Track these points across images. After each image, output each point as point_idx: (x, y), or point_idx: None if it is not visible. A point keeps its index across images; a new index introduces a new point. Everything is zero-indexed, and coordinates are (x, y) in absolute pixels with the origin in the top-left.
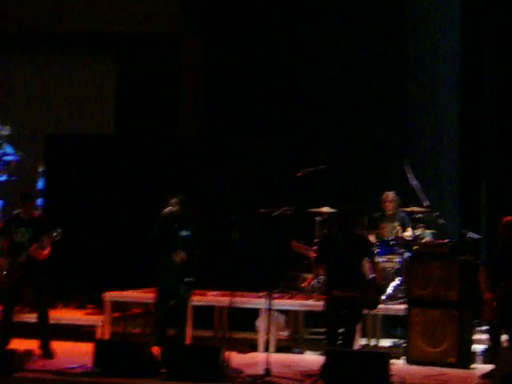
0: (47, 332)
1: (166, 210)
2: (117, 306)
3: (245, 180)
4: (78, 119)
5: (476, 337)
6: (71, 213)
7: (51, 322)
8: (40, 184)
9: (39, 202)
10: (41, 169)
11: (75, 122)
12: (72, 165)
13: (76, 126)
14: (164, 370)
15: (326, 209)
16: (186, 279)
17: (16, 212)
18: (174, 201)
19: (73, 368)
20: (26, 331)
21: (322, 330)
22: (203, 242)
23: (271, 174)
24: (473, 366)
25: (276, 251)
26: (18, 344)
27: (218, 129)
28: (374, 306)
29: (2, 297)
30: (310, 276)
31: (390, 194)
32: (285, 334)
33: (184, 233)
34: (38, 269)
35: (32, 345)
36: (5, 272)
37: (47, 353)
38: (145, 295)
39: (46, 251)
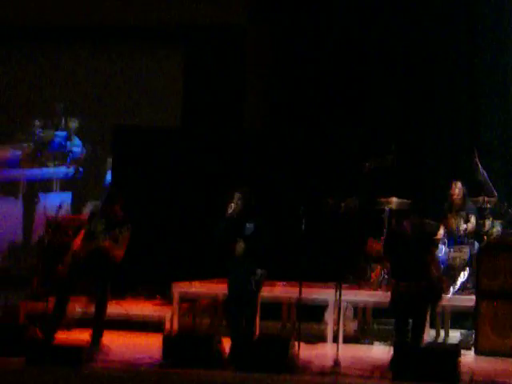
0: (101, 326)
1: (230, 204)
2: (185, 297)
3: (312, 172)
4: (145, 112)
5: None
6: (138, 205)
7: (120, 314)
8: (108, 177)
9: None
10: (109, 161)
11: (142, 115)
12: (139, 157)
13: (143, 118)
14: (233, 362)
15: (393, 199)
16: (256, 272)
17: (99, 206)
18: (237, 195)
19: (142, 360)
20: (84, 323)
21: (391, 320)
22: (270, 235)
23: (339, 166)
24: None
25: (345, 243)
26: (77, 335)
27: (285, 121)
28: (440, 298)
29: (60, 285)
30: (378, 267)
31: (459, 184)
32: (353, 325)
33: (248, 226)
34: (106, 263)
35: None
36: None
37: (96, 346)
38: (213, 286)
39: (120, 252)
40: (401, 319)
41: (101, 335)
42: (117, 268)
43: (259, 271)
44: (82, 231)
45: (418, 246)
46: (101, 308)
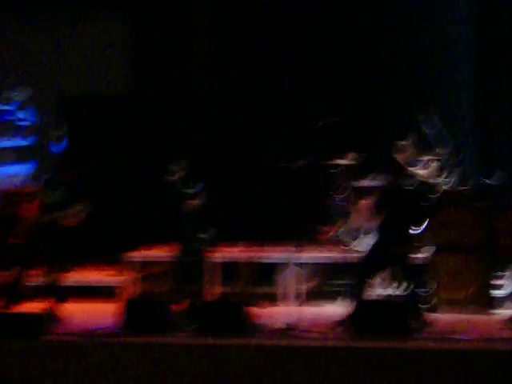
0: (56, 295)
1: (170, 178)
2: (140, 265)
3: (263, 134)
4: (94, 79)
5: (497, 282)
6: (92, 173)
7: (76, 282)
8: (58, 147)
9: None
10: (60, 130)
11: (91, 83)
12: (91, 126)
13: (92, 86)
14: (188, 327)
15: (347, 156)
16: (201, 235)
17: (51, 175)
18: (176, 168)
19: (99, 329)
20: (38, 293)
21: (341, 282)
22: (219, 196)
23: (289, 127)
24: (496, 311)
25: (295, 204)
26: (34, 307)
27: (235, 83)
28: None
29: (18, 257)
30: (328, 228)
31: (409, 142)
32: (305, 287)
33: (192, 191)
34: (59, 233)
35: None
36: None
37: (54, 316)
38: (168, 254)
39: (75, 222)
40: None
41: (58, 304)
42: (71, 236)
43: (204, 235)
44: (36, 201)
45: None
46: (55, 277)
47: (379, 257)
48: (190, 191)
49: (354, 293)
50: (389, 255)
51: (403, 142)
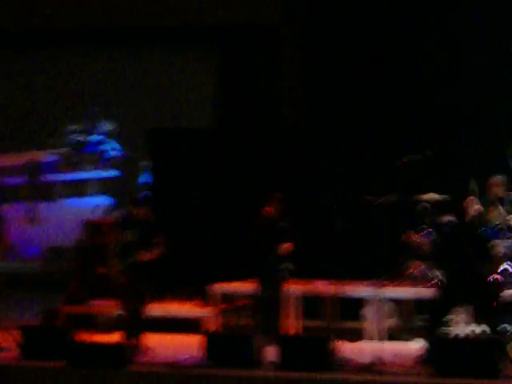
0: (141, 326)
1: (267, 207)
2: (224, 297)
3: (349, 169)
4: (180, 114)
5: None
6: (178, 207)
7: (159, 314)
8: (143, 178)
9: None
10: (145, 163)
11: (178, 117)
12: (176, 159)
13: (178, 120)
14: (274, 362)
15: (431, 195)
16: (283, 269)
17: (127, 213)
18: (275, 197)
19: (184, 359)
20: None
21: (429, 317)
22: (306, 235)
23: (375, 163)
24: None
25: (383, 239)
26: (118, 337)
27: (321, 120)
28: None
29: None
30: (416, 263)
31: (499, 178)
32: (392, 322)
33: (285, 226)
34: (141, 269)
35: (143, 339)
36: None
37: (138, 346)
38: (251, 286)
39: (152, 256)
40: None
41: (141, 335)
42: (153, 269)
43: (285, 265)
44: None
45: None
46: (137, 309)
47: (458, 293)
48: (284, 227)
49: (435, 329)
50: (469, 291)
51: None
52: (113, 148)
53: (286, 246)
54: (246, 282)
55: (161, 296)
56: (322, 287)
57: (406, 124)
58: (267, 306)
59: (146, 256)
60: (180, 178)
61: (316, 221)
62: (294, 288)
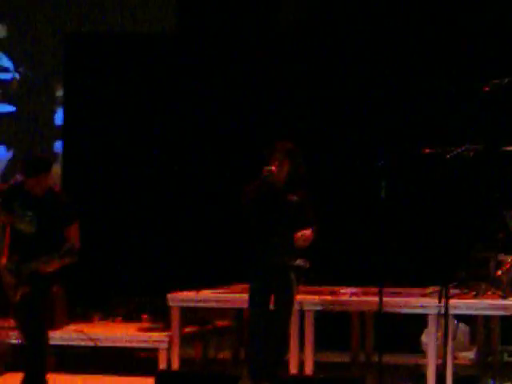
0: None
1: (266, 169)
2: (190, 315)
3: (392, 99)
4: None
5: None
6: (109, 170)
7: (86, 343)
8: (58, 118)
9: (57, 146)
10: (60, 93)
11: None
12: (111, 86)
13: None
14: None
15: None
16: (294, 263)
17: (21, 181)
18: (280, 155)
19: None
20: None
21: None
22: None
23: (438, 90)
24: None
25: (452, 218)
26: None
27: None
28: None
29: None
30: (498, 262)
31: None
32: (470, 355)
33: (293, 200)
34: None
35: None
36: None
37: None
38: (236, 297)
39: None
40: None
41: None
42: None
43: (300, 261)
44: None
45: None
46: (38, 339)
47: None
48: (297, 200)
49: None
50: None
51: None
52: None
53: (303, 233)
54: (225, 290)
55: (87, 314)
56: (350, 299)
57: None
58: (263, 329)
59: (50, 264)
60: (116, 118)
61: (343, 190)
62: (309, 300)
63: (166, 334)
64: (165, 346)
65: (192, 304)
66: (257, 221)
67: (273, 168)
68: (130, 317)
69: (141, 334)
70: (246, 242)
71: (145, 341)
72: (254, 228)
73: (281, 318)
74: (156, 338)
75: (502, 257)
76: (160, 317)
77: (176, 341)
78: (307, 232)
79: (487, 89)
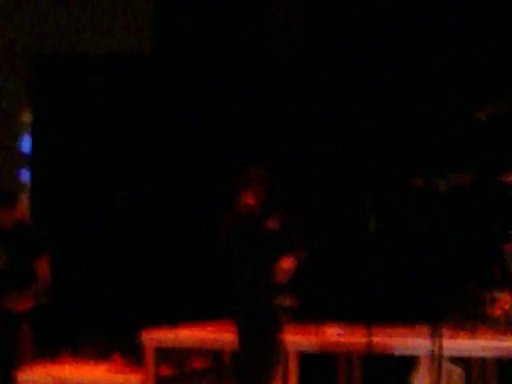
0: None
1: (244, 204)
2: (165, 356)
3: (384, 128)
4: (91, 36)
5: None
6: (79, 196)
7: None
8: (25, 145)
9: (23, 175)
10: (27, 118)
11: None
12: (80, 109)
13: (88, 44)
14: None
15: None
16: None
17: None
18: (255, 177)
19: None
20: None
21: None
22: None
23: (429, 118)
24: None
25: (444, 250)
26: None
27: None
28: None
29: None
30: (499, 297)
31: None
32: None
33: (272, 227)
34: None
35: None
36: None
37: None
38: (216, 336)
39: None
40: None
41: None
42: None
43: (287, 300)
44: None
45: None
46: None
47: None
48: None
49: None
50: None
51: None
52: None
53: (280, 266)
54: (204, 328)
55: (53, 353)
56: (338, 338)
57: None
58: (249, 370)
59: (22, 303)
60: (87, 144)
61: (329, 220)
62: (293, 341)
63: (138, 376)
64: None
65: (169, 344)
66: (237, 258)
67: (250, 201)
68: (100, 356)
69: (111, 375)
70: (228, 280)
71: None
72: (234, 265)
73: (265, 362)
74: (127, 381)
75: (497, 294)
76: (133, 356)
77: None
78: (286, 263)
79: (481, 115)
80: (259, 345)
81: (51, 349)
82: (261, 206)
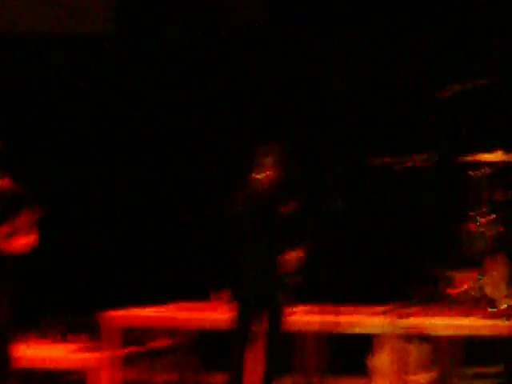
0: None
1: (256, 176)
2: (128, 335)
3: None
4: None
5: None
6: (42, 173)
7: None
8: None
9: None
10: None
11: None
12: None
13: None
14: None
15: (496, 155)
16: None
17: None
18: (267, 160)
19: None
20: None
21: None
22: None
23: (396, 96)
24: None
25: (408, 231)
26: None
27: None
28: None
29: None
30: (460, 276)
31: None
32: (427, 377)
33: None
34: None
35: None
36: None
37: None
38: (177, 315)
39: (25, 240)
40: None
41: None
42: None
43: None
44: None
45: None
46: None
47: None
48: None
49: None
50: None
51: None
52: None
53: (286, 260)
54: (167, 308)
55: (16, 333)
56: (304, 318)
57: None
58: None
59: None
60: (52, 118)
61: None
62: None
63: (103, 355)
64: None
65: (133, 324)
66: (246, 235)
67: (263, 176)
68: (64, 336)
69: (76, 355)
70: (231, 256)
71: (71, 362)
72: (242, 242)
73: (271, 339)
74: (92, 360)
75: (457, 275)
76: (97, 336)
77: (108, 363)
78: (292, 257)
79: (445, 94)
80: (259, 321)
81: (14, 328)
82: (277, 187)
